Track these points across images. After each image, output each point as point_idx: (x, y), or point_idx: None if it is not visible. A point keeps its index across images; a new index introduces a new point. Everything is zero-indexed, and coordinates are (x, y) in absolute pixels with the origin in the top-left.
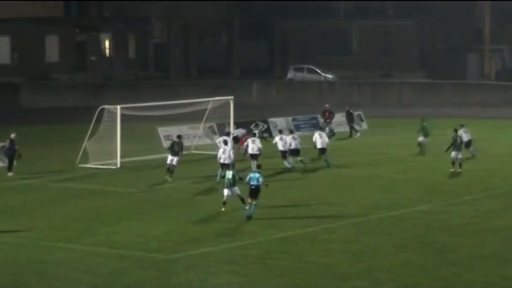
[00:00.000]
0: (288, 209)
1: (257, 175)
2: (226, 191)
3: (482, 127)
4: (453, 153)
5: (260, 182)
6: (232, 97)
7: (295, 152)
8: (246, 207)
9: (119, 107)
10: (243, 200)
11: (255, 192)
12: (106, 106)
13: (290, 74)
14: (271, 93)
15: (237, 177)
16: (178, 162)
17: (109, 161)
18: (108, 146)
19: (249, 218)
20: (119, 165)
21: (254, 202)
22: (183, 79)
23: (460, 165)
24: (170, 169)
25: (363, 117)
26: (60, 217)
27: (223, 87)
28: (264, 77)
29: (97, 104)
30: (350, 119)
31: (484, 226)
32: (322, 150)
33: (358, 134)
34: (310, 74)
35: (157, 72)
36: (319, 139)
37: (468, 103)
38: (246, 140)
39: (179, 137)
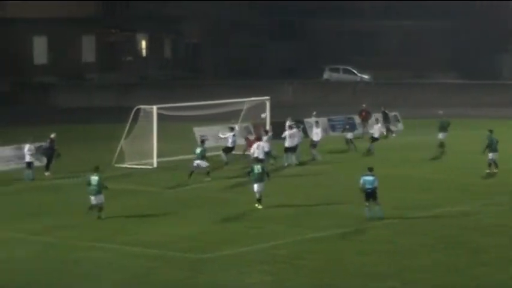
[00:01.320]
0: (319, 209)
1: (371, 178)
2: (255, 186)
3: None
4: (490, 155)
5: (375, 185)
6: (268, 97)
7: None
8: (259, 207)
9: (155, 107)
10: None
11: (371, 194)
12: (142, 106)
13: (326, 75)
14: (307, 93)
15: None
16: (202, 165)
17: (145, 161)
18: (144, 145)
19: (379, 219)
20: (155, 165)
21: (374, 204)
22: (217, 79)
23: (496, 165)
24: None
25: (399, 117)
26: (93, 216)
27: (258, 88)
28: (300, 77)
29: (131, 104)
30: (386, 119)
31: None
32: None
33: (394, 135)
34: (346, 75)
35: (192, 73)
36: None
37: (501, 103)
38: (253, 143)
39: (202, 141)
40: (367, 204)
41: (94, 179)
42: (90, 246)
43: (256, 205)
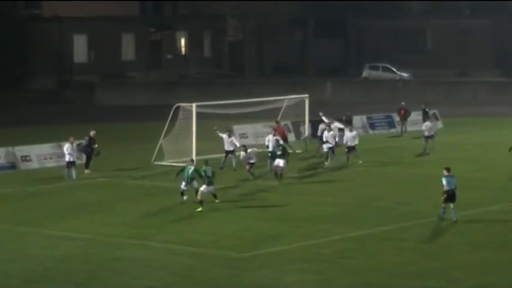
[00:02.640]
0: (362, 208)
1: (453, 179)
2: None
3: None
4: None
5: (455, 186)
6: (307, 95)
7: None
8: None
9: (194, 104)
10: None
11: (452, 196)
12: (181, 104)
13: (365, 73)
14: (346, 91)
15: None
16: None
17: (184, 159)
18: (183, 143)
19: (442, 219)
20: (194, 163)
21: (452, 206)
22: (257, 77)
23: None
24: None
25: (438, 115)
26: (134, 214)
27: (298, 86)
28: (338, 76)
29: (172, 102)
30: (425, 117)
31: None
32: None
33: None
34: (385, 73)
35: (232, 71)
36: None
37: None
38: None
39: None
40: (444, 206)
41: (208, 169)
42: (133, 244)
43: None
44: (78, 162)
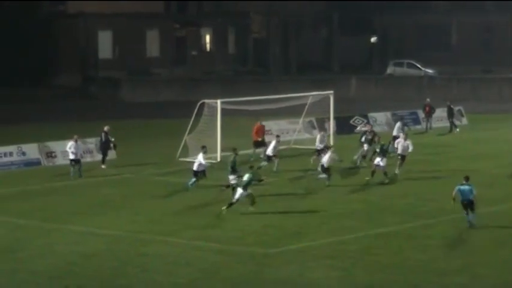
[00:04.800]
0: (387, 205)
1: (468, 187)
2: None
3: None
4: None
5: (473, 195)
6: (332, 92)
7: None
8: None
9: (219, 101)
10: None
11: (468, 206)
12: (206, 100)
13: (390, 69)
14: (371, 88)
15: None
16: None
17: (209, 155)
18: (208, 140)
19: (472, 227)
20: (219, 160)
21: (470, 213)
22: (282, 74)
23: None
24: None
25: (463, 112)
26: (159, 210)
27: (322, 82)
28: (363, 72)
29: (196, 98)
30: (450, 114)
31: None
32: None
33: (458, 129)
34: (410, 69)
35: (257, 67)
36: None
37: None
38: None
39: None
40: (466, 213)
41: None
42: (158, 240)
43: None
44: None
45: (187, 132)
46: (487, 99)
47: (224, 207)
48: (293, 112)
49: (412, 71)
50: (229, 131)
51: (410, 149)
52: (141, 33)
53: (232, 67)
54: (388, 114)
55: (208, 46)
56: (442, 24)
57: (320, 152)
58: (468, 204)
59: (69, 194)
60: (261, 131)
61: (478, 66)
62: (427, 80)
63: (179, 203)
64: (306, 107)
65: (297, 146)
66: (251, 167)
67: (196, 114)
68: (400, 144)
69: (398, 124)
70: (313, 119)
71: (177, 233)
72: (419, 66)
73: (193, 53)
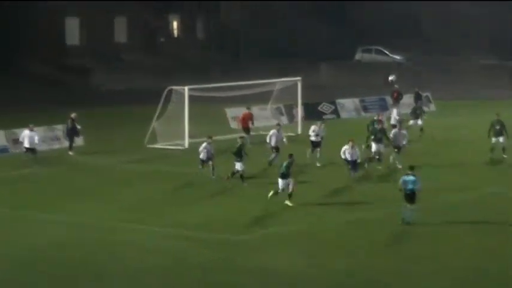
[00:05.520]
0: (357, 191)
1: (412, 178)
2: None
3: None
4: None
5: (417, 187)
6: (300, 78)
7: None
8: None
9: (186, 88)
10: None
11: (410, 197)
12: (174, 87)
13: (358, 56)
14: (339, 74)
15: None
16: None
17: (177, 142)
18: (176, 126)
19: (407, 223)
20: (186, 146)
21: (412, 207)
22: (251, 60)
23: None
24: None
25: (431, 98)
26: (129, 198)
27: (291, 69)
28: (333, 59)
29: (167, 85)
30: (418, 100)
31: None
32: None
33: (425, 116)
34: (378, 55)
35: (226, 54)
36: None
37: None
38: (245, 117)
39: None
40: (405, 205)
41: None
42: (128, 228)
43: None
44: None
45: (154, 119)
46: (455, 86)
47: (270, 193)
48: (262, 99)
49: (380, 58)
50: (197, 118)
51: (405, 141)
52: (109, 20)
53: (201, 53)
54: (356, 100)
55: (176, 32)
56: (411, 11)
57: (316, 145)
58: (410, 195)
59: (38, 182)
60: (248, 118)
61: (447, 52)
62: (396, 67)
63: (148, 190)
64: (274, 93)
65: (266, 133)
66: (290, 155)
67: (164, 101)
68: (395, 134)
69: (394, 112)
70: (281, 105)
71: (147, 221)
72: (387, 52)
73: (162, 39)
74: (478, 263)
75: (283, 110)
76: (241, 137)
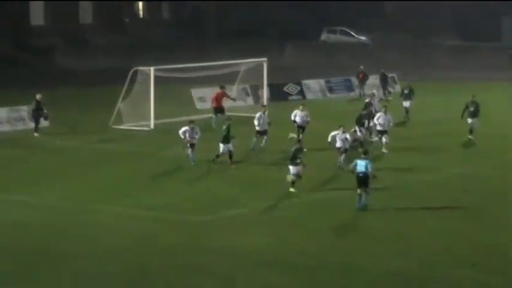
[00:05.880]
0: (322, 172)
1: (364, 162)
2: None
3: None
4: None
5: (369, 169)
6: (265, 59)
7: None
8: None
9: (152, 68)
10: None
11: (362, 180)
12: (139, 68)
13: (323, 36)
14: (305, 55)
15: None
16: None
17: (142, 123)
18: (142, 107)
19: (363, 208)
20: (152, 127)
21: (363, 192)
22: (218, 41)
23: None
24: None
25: (396, 79)
26: (95, 179)
27: (257, 49)
28: (298, 39)
29: (132, 66)
30: (384, 81)
31: None
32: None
33: (391, 97)
34: (343, 36)
35: (192, 34)
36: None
37: (503, 66)
38: (218, 96)
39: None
40: (359, 191)
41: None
42: (95, 209)
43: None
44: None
45: (120, 100)
46: (421, 67)
47: (291, 189)
48: (228, 79)
49: (345, 38)
50: (163, 99)
51: (392, 123)
52: (74, 1)
53: (166, 34)
54: (322, 81)
55: (141, 13)
56: None
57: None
58: (362, 178)
59: (2, 163)
60: (221, 97)
61: (412, 33)
62: (361, 48)
63: (114, 171)
64: (240, 74)
65: (231, 114)
66: (299, 141)
67: (129, 82)
68: (381, 118)
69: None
70: (247, 86)
71: (114, 201)
72: (352, 33)
73: (126, 19)
74: (441, 243)
75: (249, 91)
76: (228, 119)
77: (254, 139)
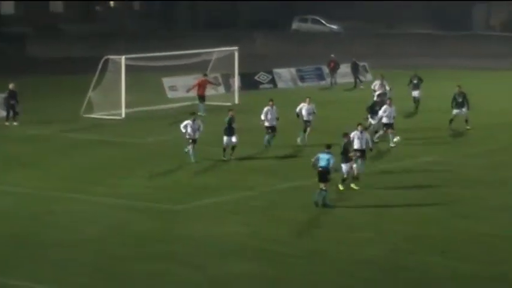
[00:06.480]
0: (293, 160)
1: (326, 156)
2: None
3: (491, 79)
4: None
5: (330, 164)
6: (236, 48)
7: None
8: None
9: (123, 57)
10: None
11: (322, 175)
12: (110, 56)
13: (295, 25)
14: (276, 44)
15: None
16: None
17: (113, 112)
18: (113, 96)
19: (318, 205)
20: (123, 116)
21: (324, 187)
22: (190, 30)
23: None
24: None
25: (367, 68)
26: (67, 168)
27: (229, 38)
28: (269, 28)
29: (103, 54)
30: (355, 70)
31: (494, 178)
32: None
33: (362, 86)
34: (315, 25)
35: (165, 23)
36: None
37: (474, 54)
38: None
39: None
40: (321, 186)
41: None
42: (67, 197)
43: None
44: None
45: (91, 89)
46: (392, 55)
47: (340, 186)
48: (199, 68)
49: (317, 27)
50: (134, 88)
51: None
52: None
53: (138, 23)
54: (293, 70)
55: (112, 2)
56: None
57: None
58: (323, 173)
59: None
60: (204, 84)
61: (383, 22)
62: (333, 36)
63: (87, 160)
64: (211, 63)
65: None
66: (345, 134)
67: (101, 71)
68: (387, 111)
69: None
70: (218, 75)
71: (86, 190)
72: (323, 22)
73: (97, 8)
74: (411, 230)
75: (221, 80)
76: (231, 110)
77: (266, 136)
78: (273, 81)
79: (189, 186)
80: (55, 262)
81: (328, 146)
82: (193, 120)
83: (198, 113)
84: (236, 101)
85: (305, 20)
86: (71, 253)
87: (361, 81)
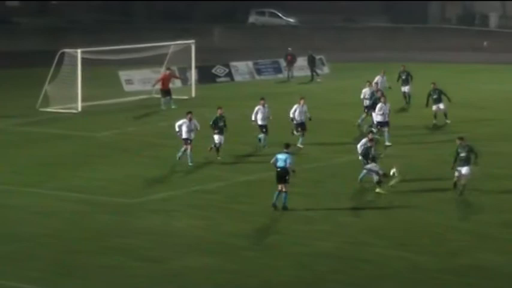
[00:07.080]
0: (252, 154)
1: (284, 156)
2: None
3: (449, 72)
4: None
5: (288, 164)
6: (193, 41)
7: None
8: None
9: (79, 50)
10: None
11: (280, 175)
12: (66, 50)
13: (252, 18)
14: (233, 37)
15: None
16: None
17: (70, 105)
18: (69, 90)
19: (276, 207)
20: (79, 109)
21: (284, 189)
22: (147, 23)
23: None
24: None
25: (324, 61)
26: (22, 161)
27: (186, 32)
28: (226, 21)
29: (59, 48)
30: (312, 63)
31: (445, 169)
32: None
33: (320, 79)
34: (272, 18)
35: (121, 16)
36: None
37: (430, 47)
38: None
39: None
40: (279, 188)
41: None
42: (21, 191)
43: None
44: None
45: (47, 82)
46: (349, 48)
47: (378, 190)
48: (156, 61)
49: (274, 20)
50: (90, 81)
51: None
52: None
53: (95, 16)
54: (250, 63)
55: None
56: None
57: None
58: (281, 174)
59: None
60: (168, 78)
61: (341, 15)
62: (290, 29)
63: (42, 154)
64: (168, 56)
65: (159, 96)
66: (371, 132)
67: (57, 64)
68: (381, 109)
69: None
70: (175, 68)
71: (40, 184)
72: (280, 15)
73: (54, 1)
74: (368, 223)
75: (178, 73)
76: (220, 107)
77: (261, 135)
78: (230, 75)
79: (146, 180)
80: (9, 256)
81: (287, 146)
82: (190, 120)
83: (161, 108)
84: (193, 94)
85: (262, 13)
86: (26, 248)
87: (317, 75)
